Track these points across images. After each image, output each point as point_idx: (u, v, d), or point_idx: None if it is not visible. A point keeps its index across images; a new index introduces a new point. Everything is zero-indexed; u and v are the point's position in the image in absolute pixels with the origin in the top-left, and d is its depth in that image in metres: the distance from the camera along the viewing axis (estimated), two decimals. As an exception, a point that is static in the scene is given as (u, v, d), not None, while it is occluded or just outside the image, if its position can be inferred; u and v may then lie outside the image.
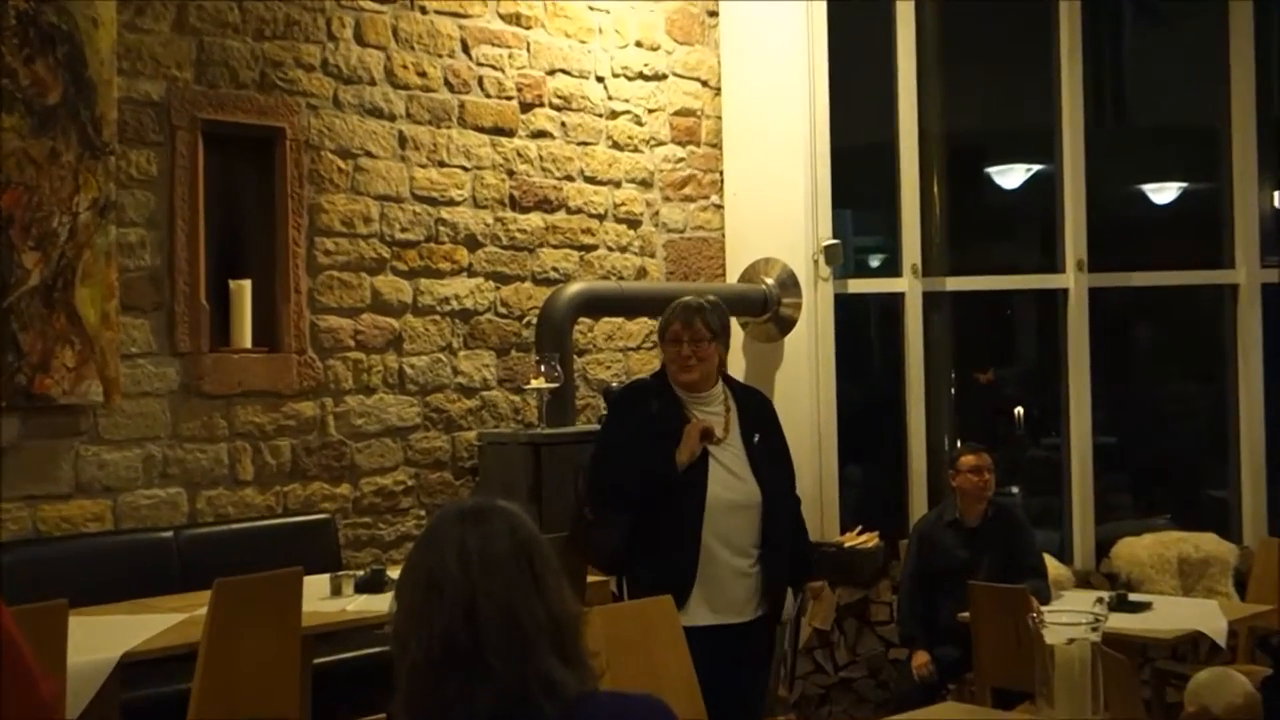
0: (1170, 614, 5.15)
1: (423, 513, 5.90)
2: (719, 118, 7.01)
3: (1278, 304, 6.88)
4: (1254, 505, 6.87)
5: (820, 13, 6.59)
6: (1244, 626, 5.46)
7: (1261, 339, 6.86)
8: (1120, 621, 4.75)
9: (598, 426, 5.97)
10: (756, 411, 4.29)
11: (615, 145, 6.67)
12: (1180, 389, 7.50)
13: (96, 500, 5.06)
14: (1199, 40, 7.09)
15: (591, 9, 6.58)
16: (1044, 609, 4.16)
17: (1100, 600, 4.90)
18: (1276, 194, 7.11)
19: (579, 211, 6.52)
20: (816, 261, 6.55)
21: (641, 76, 6.77)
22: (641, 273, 6.77)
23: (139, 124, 5.16)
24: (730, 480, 4.10)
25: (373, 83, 5.83)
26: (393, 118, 5.88)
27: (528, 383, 5.85)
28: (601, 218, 6.62)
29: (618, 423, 4.31)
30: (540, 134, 6.38)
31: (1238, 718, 2.84)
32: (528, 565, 1.85)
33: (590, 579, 4.85)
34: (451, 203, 6.07)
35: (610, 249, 6.65)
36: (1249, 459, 6.88)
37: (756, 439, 4.20)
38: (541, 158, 6.38)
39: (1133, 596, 5.37)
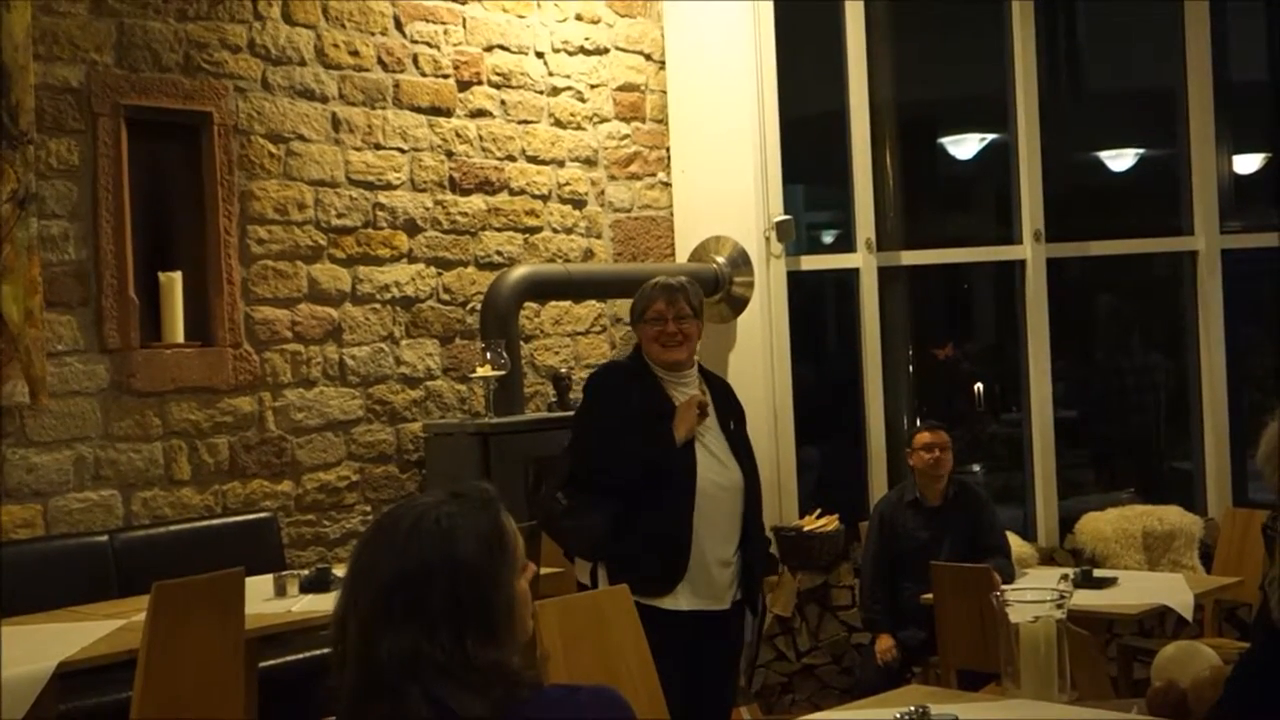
0: (1136, 589, 5.16)
1: (368, 509, 5.81)
2: (664, 92, 6.91)
3: (1238, 270, 6.82)
4: (1218, 476, 6.82)
5: (765, -20, 6.48)
6: (1210, 599, 5.49)
7: (1223, 306, 6.78)
8: (1085, 598, 4.74)
9: (548, 414, 5.93)
10: (727, 400, 4.29)
11: (557, 123, 6.56)
12: (1141, 360, 7.46)
13: (26, 505, 4.94)
14: (1154, 1, 6.98)
15: (528, -19, 6.48)
16: (1008, 588, 4.13)
17: (1065, 577, 4.91)
18: (1235, 158, 7.03)
19: (522, 193, 6.42)
20: (768, 239, 6.46)
21: (583, 51, 6.65)
22: (588, 254, 6.66)
23: (58, 111, 5.03)
24: (717, 466, 4.11)
25: (303, 63, 5.70)
26: (325, 99, 5.76)
27: (473, 371, 5.81)
28: (545, 198, 6.50)
29: (599, 406, 4.23)
30: (479, 113, 6.26)
31: (1205, 691, 2.81)
32: (513, 556, 1.87)
33: (544, 570, 4.76)
34: (389, 186, 5.95)
35: (555, 230, 6.55)
36: (1212, 429, 6.82)
37: (732, 426, 4.20)
38: (481, 138, 6.26)
39: (1097, 572, 5.35)
